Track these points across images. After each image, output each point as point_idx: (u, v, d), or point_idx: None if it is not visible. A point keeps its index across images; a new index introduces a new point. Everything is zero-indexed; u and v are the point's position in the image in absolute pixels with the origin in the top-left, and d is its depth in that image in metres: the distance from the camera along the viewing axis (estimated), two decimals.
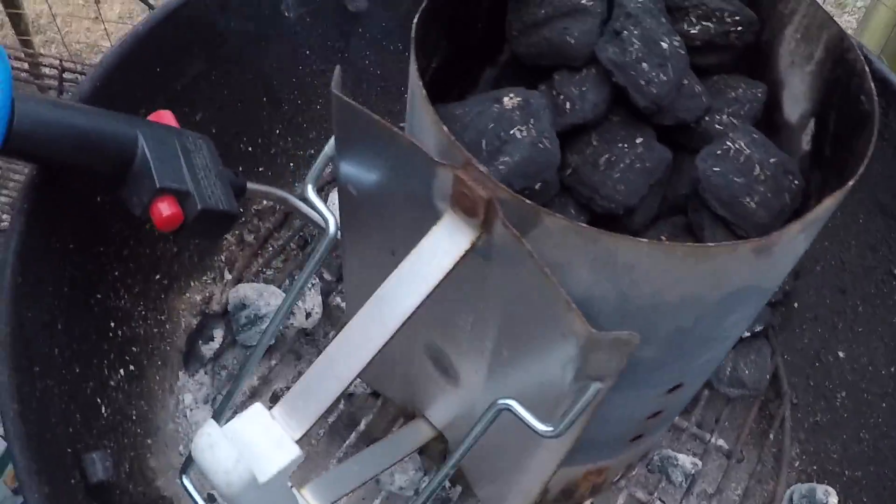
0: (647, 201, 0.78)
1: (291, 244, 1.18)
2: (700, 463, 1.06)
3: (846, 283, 1.05)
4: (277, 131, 1.15)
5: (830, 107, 0.76)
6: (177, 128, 0.85)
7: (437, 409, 0.91)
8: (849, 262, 1.03)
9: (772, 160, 0.74)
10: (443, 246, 0.61)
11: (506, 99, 0.71)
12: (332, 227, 0.68)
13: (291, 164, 1.18)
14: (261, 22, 1.07)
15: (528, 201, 0.57)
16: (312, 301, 1.07)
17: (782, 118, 0.82)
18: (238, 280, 1.11)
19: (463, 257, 0.61)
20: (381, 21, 1.15)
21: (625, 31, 0.74)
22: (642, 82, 0.74)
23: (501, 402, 0.62)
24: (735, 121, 0.80)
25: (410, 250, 0.62)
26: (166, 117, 0.86)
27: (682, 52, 0.75)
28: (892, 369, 0.99)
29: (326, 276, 1.11)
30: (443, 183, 0.60)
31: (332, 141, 0.68)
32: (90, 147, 0.76)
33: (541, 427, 0.60)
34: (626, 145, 0.76)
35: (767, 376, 1.11)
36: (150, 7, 1.82)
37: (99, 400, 0.89)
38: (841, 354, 1.06)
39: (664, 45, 0.75)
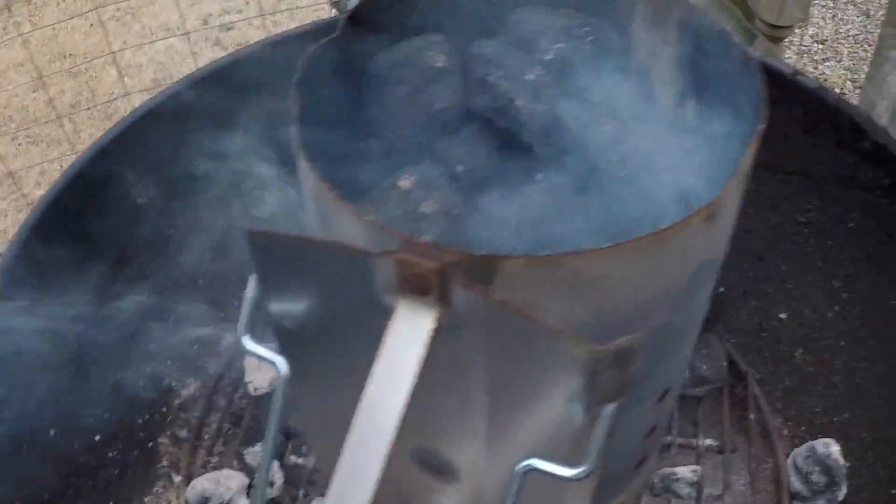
0: None
1: (225, 423, 1.12)
2: (699, 468, 1.05)
3: (760, 249, 1.08)
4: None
5: None
6: None
7: None
8: (755, 228, 1.06)
9: None
10: (407, 337, 0.59)
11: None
12: (283, 367, 0.64)
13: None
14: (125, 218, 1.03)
15: (481, 253, 0.56)
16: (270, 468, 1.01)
17: None
18: (188, 479, 1.04)
19: (432, 341, 0.59)
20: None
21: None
22: None
23: (522, 465, 0.59)
24: None
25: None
26: None
27: None
28: (836, 308, 1.02)
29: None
30: (385, 273, 0.58)
31: (251, 282, 0.65)
32: None
33: (570, 472, 0.58)
34: None
35: (724, 363, 1.12)
36: None
37: None
38: (782, 316, 1.09)
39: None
